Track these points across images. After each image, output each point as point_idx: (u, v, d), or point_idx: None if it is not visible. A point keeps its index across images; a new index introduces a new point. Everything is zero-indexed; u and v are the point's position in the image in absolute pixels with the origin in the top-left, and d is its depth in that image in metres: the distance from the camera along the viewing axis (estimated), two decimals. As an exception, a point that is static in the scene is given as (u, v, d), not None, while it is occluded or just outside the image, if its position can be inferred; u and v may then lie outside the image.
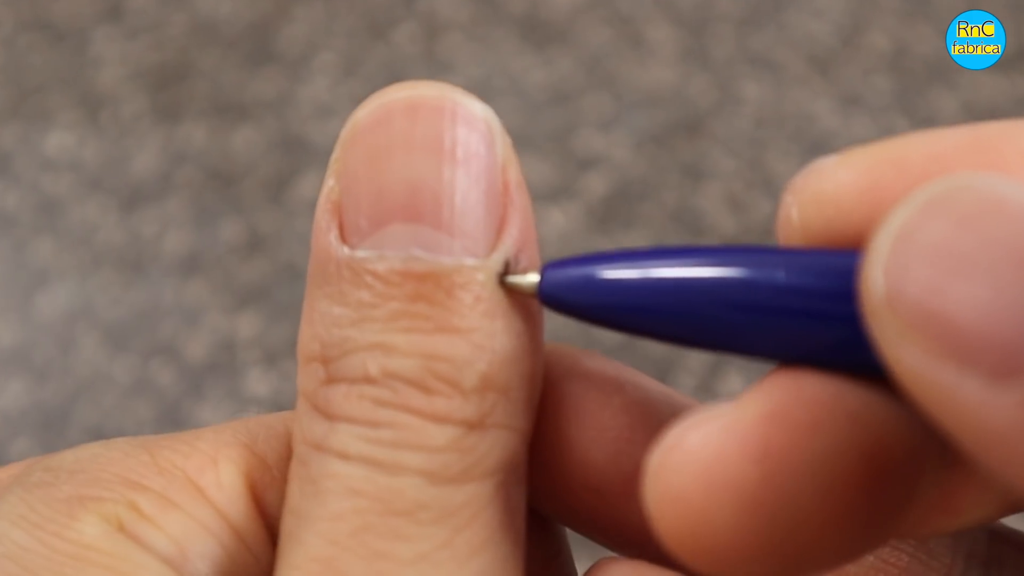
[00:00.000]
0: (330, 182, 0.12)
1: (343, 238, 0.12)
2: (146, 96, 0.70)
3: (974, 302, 0.08)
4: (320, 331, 0.12)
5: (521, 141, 0.64)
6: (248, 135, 0.67)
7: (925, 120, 0.66)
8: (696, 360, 0.57)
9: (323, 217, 0.12)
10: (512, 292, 0.12)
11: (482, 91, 0.72)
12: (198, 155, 0.67)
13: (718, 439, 0.10)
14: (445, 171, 0.12)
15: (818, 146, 0.65)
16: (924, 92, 0.67)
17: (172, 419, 0.56)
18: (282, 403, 0.57)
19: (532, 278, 0.12)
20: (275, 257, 0.62)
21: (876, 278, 0.09)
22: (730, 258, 0.11)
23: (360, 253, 0.12)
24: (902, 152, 0.11)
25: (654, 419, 0.13)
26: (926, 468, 0.11)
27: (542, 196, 0.63)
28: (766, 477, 0.10)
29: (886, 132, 0.65)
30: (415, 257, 0.12)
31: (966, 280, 0.09)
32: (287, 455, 0.13)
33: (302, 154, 0.66)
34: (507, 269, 0.12)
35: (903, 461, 0.11)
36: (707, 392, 0.54)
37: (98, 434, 0.55)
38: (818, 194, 0.11)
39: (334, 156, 0.12)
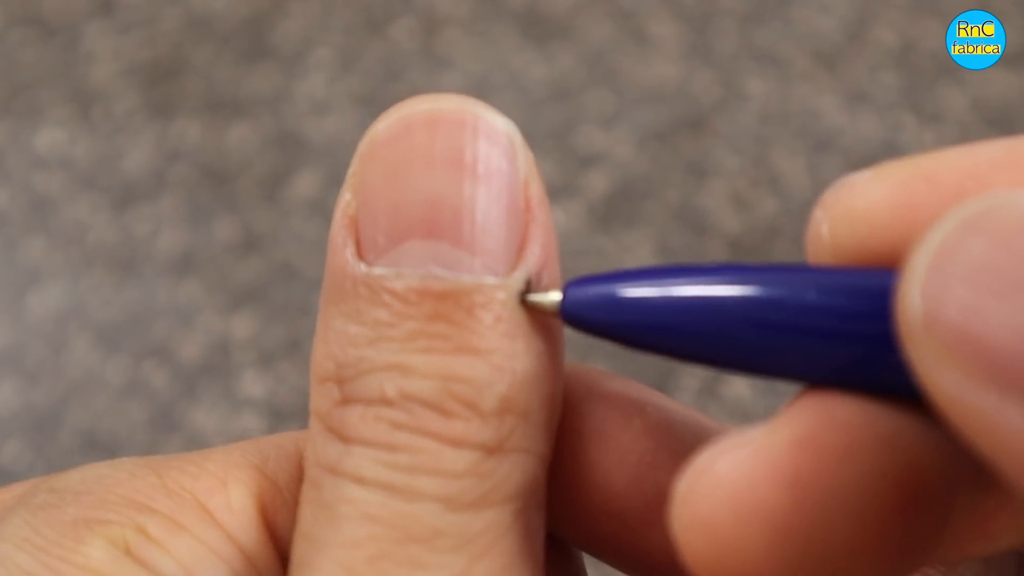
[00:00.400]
0: (347, 196, 0.12)
1: (360, 254, 0.12)
2: (139, 92, 0.69)
3: (1014, 324, 0.08)
4: (335, 350, 0.12)
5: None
6: (243, 132, 0.67)
7: (933, 117, 0.66)
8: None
9: (339, 232, 0.12)
10: (532, 311, 0.12)
11: (481, 88, 0.72)
12: (192, 152, 0.66)
13: (748, 465, 0.10)
14: (466, 186, 0.12)
15: (824, 143, 0.64)
16: (931, 88, 0.67)
17: (165, 421, 0.56)
18: (277, 405, 0.56)
19: (554, 296, 0.12)
20: (270, 256, 0.61)
21: (913, 299, 0.09)
22: (759, 277, 0.11)
23: (377, 270, 0.12)
24: (936, 168, 0.11)
25: (676, 442, 0.13)
26: (960, 492, 0.11)
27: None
28: (797, 504, 0.10)
29: (893, 129, 0.65)
30: (434, 275, 0.11)
31: (1006, 302, 0.08)
32: (298, 476, 0.13)
33: (298, 151, 0.66)
34: (528, 287, 0.12)
35: (937, 486, 0.10)
36: (710, 395, 0.54)
37: (90, 436, 0.55)
38: (850, 210, 0.11)
39: (351, 170, 0.12)
